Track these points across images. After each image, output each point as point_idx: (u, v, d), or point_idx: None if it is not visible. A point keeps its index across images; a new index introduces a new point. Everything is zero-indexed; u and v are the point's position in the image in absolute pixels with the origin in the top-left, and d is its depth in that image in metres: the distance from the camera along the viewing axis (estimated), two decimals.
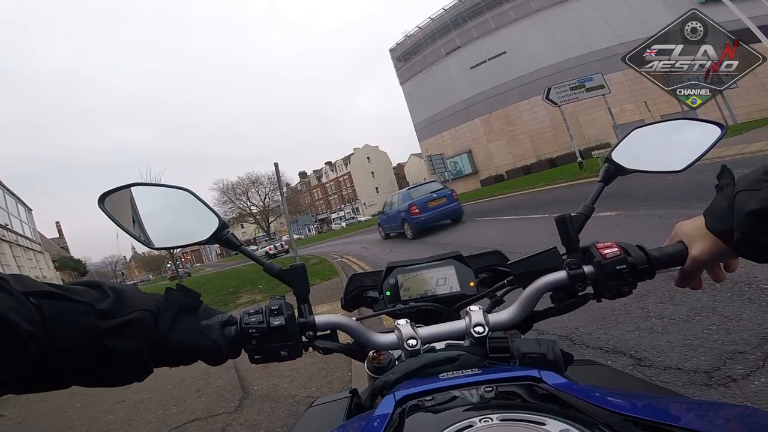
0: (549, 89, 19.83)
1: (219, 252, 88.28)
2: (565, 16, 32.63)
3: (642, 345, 2.28)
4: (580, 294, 0.59)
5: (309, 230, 60.39)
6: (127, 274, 76.57)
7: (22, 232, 17.72)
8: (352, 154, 66.02)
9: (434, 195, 12.15)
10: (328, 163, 71.29)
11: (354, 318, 0.64)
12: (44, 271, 19.23)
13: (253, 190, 56.74)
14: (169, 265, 45.18)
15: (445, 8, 40.20)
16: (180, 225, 0.67)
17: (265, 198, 56.35)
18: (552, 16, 33.50)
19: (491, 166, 37.05)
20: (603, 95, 18.74)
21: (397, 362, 0.59)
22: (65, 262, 31.80)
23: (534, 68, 33.36)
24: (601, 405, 0.38)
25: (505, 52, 35.76)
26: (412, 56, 44.12)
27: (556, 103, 19.49)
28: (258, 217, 57.29)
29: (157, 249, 0.66)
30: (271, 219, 57.78)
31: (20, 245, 16.29)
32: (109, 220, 0.63)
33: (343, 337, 0.63)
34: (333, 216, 69.23)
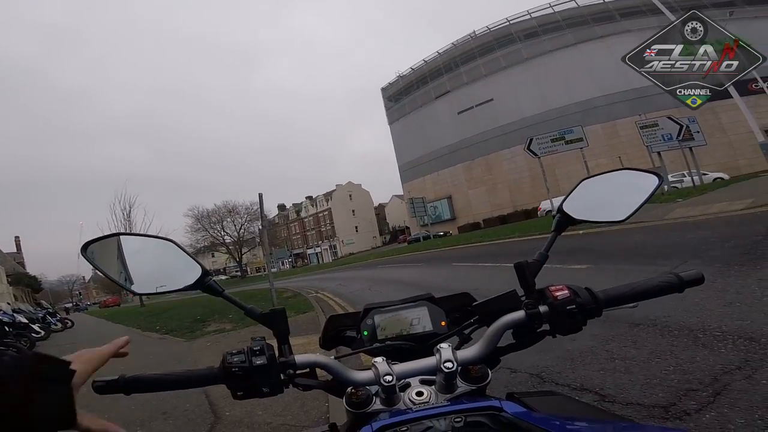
0: (531, 140, 19.68)
1: None
2: (552, 65, 32.47)
3: (606, 383, 2.41)
4: (538, 331, 0.66)
5: (282, 264, 59.12)
6: (84, 295, 71.64)
7: None
8: (334, 190, 65.50)
9: None
10: (309, 198, 70.05)
11: (332, 357, 0.67)
12: None
13: (228, 219, 55.47)
14: None
15: (440, 51, 40.32)
16: (164, 272, 0.71)
17: (240, 228, 55.18)
18: (539, 64, 33.27)
19: (469, 214, 36.81)
20: (581, 148, 18.64)
21: (375, 398, 0.61)
22: (19, 278, 30.38)
23: (517, 117, 33.24)
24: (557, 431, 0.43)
25: (492, 99, 35.42)
26: (402, 97, 43.60)
27: (536, 154, 19.26)
28: (231, 247, 55.87)
29: (139, 294, 0.72)
30: (244, 250, 56.39)
31: None
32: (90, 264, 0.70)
33: (322, 374, 0.67)
34: (309, 252, 68.18)
